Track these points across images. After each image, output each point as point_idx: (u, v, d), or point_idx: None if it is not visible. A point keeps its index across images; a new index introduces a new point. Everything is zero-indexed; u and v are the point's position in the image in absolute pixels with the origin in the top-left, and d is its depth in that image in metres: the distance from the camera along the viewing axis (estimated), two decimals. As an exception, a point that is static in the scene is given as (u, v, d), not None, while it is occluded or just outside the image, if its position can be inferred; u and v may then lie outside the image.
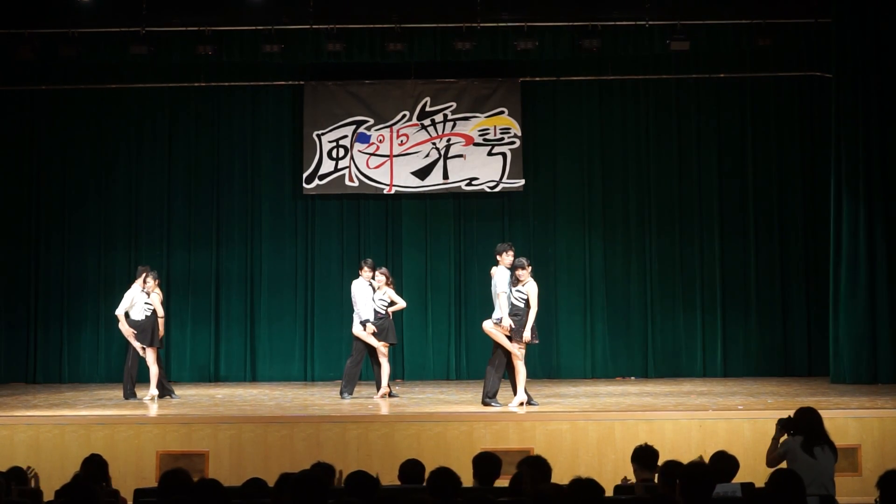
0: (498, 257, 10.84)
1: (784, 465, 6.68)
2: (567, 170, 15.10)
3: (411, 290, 14.67)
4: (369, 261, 12.49)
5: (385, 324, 12.09)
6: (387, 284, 12.20)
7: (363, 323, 12.03)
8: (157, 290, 12.26)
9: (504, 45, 13.76)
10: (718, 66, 14.87)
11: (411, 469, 6.36)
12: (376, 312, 12.07)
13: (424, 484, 6.08)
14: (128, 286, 12.22)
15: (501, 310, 10.60)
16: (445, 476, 5.62)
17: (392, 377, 12.44)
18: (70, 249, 14.95)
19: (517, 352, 10.58)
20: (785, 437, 6.92)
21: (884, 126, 13.18)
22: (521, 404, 10.55)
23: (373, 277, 12.25)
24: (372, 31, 13.86)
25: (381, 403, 11.51)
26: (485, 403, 10.69)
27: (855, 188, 13.15)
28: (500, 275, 10.73)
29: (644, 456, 6.52)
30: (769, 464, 6.87)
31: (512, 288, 10.66)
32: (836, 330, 13.12)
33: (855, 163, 13.15)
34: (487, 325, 10.73)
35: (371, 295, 12.16)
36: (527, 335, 10.52)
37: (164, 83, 15.09)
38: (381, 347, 12.01)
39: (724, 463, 6.30)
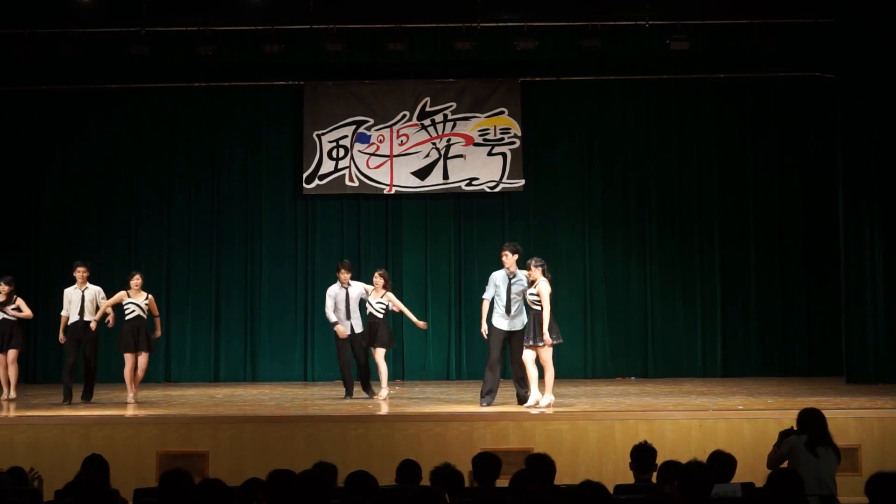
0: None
1: (785, 464, 6.68)
2: (567, 170, 15.10)
3: (411, 291, 14.69)
4: (346, 262, 12.36)
5: (378, 327, 11.82)
6: (384, 287, 11.97)
7: (334, 325, 12.01)
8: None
9: (504, 45, 13.74)
10: (718, 67, 14.87)
11: (408, 469, 6.35)
12: (372, 315, 11.86)
13: (421, 483, 6.09)
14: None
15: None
16: (447, 473, 5.64)
17: (392, 377, 12.44)
18: (70, 249, 14.92)
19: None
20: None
21: (889, 125, 13.18)
22: (545, 404, 10.44)
23: (348, 280, 12.05)
24: (372, 31, 13.85)
25: (381, 404, 11.50)
26: (485, 404, 10.71)
27: (862, 189, 13.17)
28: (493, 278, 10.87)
29: (642, 455, 6.51)
30: (770, 466, 6.85)
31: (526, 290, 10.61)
32: (849, 331, 13.11)
33: (861, 163, 13.18)
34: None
35: (339, 296, 12.00)
36: (547, 337, 10.36)
37: (164, 83, 15.09)
38: (377, 350, 11.82)
39: (722, 462, 6.30)
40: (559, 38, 13.85)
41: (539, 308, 10.39)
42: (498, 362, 10.82)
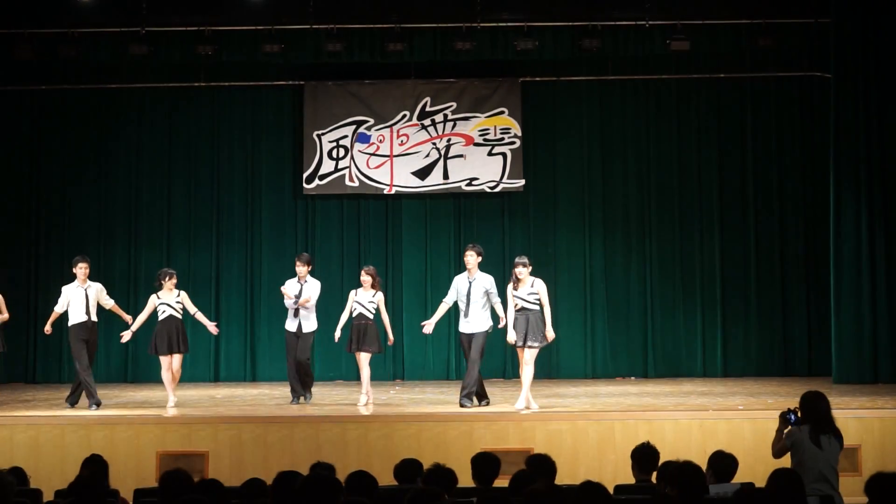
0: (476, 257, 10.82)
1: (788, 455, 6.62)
2: (567, 170, 15.10)
3: (411, 291, 14.70)
4: (303, 255, 11.85)
5: (367, 329, 11.16)
6: (373, 286, 11.23)
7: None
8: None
9: (504, 45, 13.76)
10: (718, 66, 14.86)
11: (408, 468, 6.35)
12: (363, 316, 11.17)
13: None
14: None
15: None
16: (441, 473, 5.65)
17: (392, 377, 12.40)
18: (70, 249, 14.89)
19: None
20: (789, 428, 6.82)
21: (883, 125, 13.19)
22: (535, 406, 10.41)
23: (304, 275, 11.54)
24: (372, 31, 13.86)
25: (361, 409, 10.97)
26: (482, 404, 10.72)
27: (855, 188, 13.17)
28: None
29: (644, 457, 6.49)
30: (775, 455, 6.78)
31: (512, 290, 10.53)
32: (839, 330, 13.12)
33: (854, 162, 13.17)
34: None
35: (292, 292, 11.54)
36: (550, 334, 10.33)
37: (164, 83, 15.09)
38: (362, 355, 11.21)
39: (722, 462, 6.29)
40: (559, 38, 13.85)
41: (538, 307, 10.37)
42: (477, 363, 10.77)
